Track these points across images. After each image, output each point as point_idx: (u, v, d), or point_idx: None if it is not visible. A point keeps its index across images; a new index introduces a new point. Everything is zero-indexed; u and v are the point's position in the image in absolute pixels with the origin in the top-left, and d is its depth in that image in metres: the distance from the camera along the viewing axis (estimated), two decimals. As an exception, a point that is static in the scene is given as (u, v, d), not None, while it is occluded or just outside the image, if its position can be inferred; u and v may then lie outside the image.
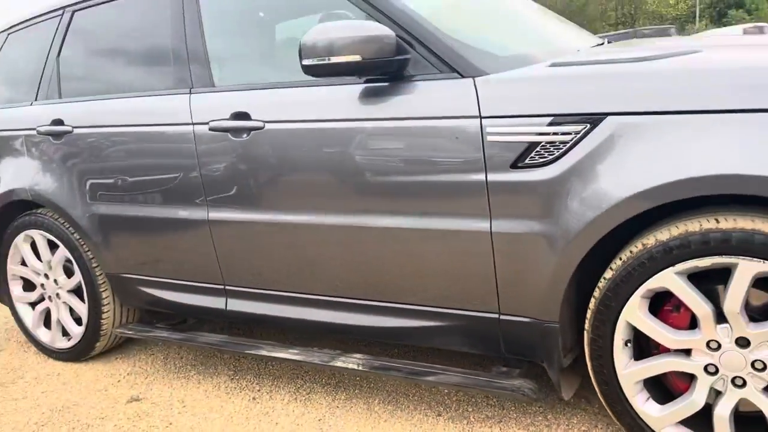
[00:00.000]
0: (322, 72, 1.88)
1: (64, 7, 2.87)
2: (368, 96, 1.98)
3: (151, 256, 2.62)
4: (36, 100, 2.93)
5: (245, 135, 2.20)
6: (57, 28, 2.87)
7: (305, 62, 1.87)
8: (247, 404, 2.43)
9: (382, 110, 1.95)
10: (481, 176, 1.80)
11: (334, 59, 1.84)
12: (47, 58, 2.90)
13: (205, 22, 2.39)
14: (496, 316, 1.91)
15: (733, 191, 1.48)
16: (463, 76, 1.85)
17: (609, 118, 1.64)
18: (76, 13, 2.82)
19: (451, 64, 1.88)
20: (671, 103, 1.58)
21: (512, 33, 2.45)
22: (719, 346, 1.63)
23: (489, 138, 1.78)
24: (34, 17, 3.04)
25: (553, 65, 1.81)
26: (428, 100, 1.88)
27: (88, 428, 2.39)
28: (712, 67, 1.59)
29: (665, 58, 1.69)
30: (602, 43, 2.65)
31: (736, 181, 1.47)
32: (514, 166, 1.76)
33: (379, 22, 1.97)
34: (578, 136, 1.67)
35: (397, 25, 1.96)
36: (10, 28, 3.17)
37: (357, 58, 1.83)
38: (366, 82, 2.00)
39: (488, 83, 1.81)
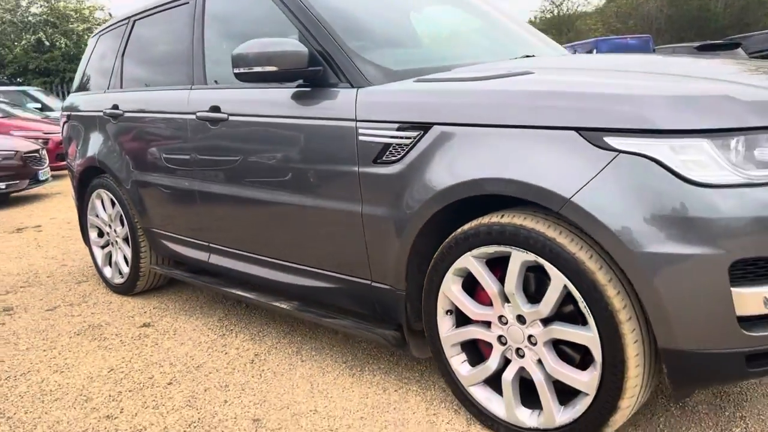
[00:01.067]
0: (248, 79, 2.42)
1: (129, 17, 3.67)
2: (294, 98, 2.49)
3: (166, 216, 3.34)
4: (108, 88, 3.77)
5: (218, 124, 2.81)
6: (123, 34, 3.69)
7: (235, 71, 2.42)
8: (215, 338, 3.07)
9: (300, 110, 2.45)
10: (355, 168, 2.25)
11: (257, 69, 2.37)
12: (116, 56, 3.72)
13: (206, 33, 3.02)
14: (369, 282, 2.35)
15: (479, 192, 1.85)
16: (352, 86, 2.30)
17: (434, 127, 2.02)
18: (136, 22, 3.60)
19: (347, 76, 2.33)
20: (474, 117, 1.93)
21: (438, 47, 2.82)
22: (507, 321, 1.96)
23: (360, 138, 2.22)
24: (112, 24, 3.89)
25: (417, 80, 2.20)
26: (330, 104, 2.35)
27: (104, 340, 3.16)
28: (513, 89, 1.91)
29: (494, 79, 2.03)
30: (532, 56, 2.86)
31: (477, 184, 1.84)
32: (375, 161, 2.19)
33: (307, 39, 2.47)
34: (414, 140, 2.07)
35: (316, 41, 2.44)
36: (98, 33, 4.06)
37: (274, 68, 2.34)
38: (297, 87, 2.51)
39: (365, 93, 2.25)
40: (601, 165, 1.68)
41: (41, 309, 3.69)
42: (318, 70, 2.40)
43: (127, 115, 3.48)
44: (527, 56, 2.82)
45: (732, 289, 1.59)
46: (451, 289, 2.06)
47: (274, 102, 2.56)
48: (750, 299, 1.60)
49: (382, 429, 2.17)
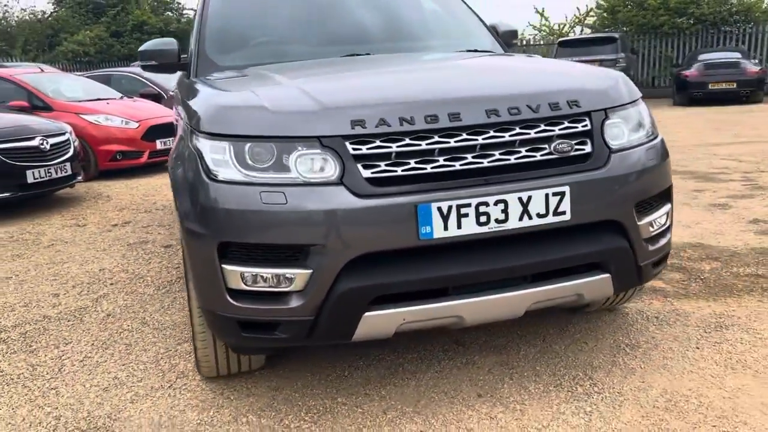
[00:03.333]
0: (149, 69, 3.32)
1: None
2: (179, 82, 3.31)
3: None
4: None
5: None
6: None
7: (139, 63, 3.33)
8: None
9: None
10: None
11: (150, 61, 3.26)
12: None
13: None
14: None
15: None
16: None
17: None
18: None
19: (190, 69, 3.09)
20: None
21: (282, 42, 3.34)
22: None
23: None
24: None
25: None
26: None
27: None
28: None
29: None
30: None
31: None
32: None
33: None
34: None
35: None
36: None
37: (155, 61, 3.21)
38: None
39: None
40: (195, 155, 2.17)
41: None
42: (186, 63, 3.19)
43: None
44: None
45: (222, 265, 2.02)
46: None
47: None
48: (232, 275, 2.01)
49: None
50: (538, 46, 22.04)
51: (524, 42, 21.85)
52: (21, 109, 7.64)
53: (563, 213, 2.06)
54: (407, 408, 2.33)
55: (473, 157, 2.03)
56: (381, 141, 1.99)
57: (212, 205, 2.01)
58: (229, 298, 2.03)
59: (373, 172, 1.97)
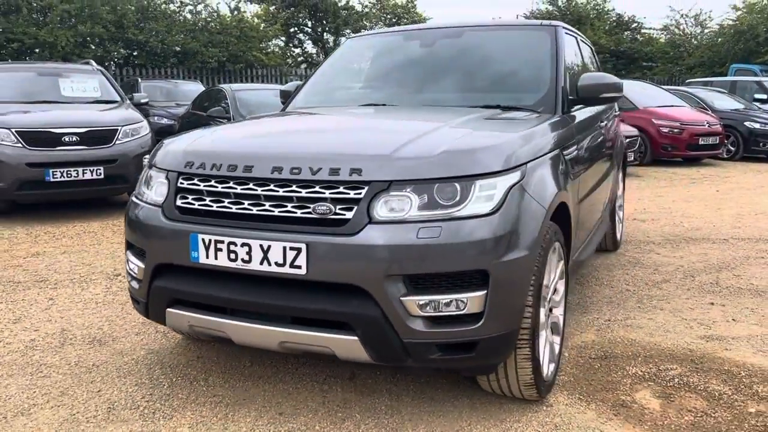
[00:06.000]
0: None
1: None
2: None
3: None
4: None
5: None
6: None
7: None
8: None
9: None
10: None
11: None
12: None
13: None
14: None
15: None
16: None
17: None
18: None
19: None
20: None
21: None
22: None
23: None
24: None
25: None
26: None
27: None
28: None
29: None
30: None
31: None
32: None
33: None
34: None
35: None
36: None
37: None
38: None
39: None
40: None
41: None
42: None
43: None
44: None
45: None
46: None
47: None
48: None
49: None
50: None
51: None
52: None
53: (299, 267, 2.27)
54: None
55: (249, 204, 2.41)
56: (198, 180, 2.55)
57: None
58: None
59: (182, 202, 2.55)
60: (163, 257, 2.58)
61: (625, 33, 30.88)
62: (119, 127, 7.07)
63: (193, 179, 2.56)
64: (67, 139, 6.69)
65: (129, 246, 2.81)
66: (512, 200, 2.36)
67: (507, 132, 2.72)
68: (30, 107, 7.35)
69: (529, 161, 2.54)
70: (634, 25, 31.25)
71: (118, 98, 8.37)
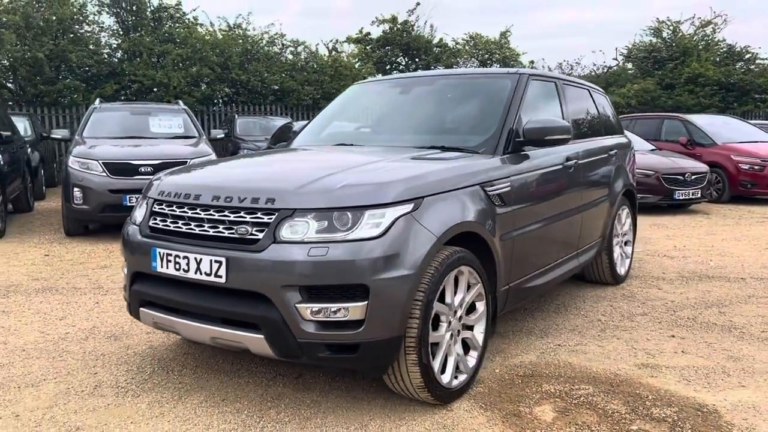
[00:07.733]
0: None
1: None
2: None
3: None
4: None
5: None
6: None
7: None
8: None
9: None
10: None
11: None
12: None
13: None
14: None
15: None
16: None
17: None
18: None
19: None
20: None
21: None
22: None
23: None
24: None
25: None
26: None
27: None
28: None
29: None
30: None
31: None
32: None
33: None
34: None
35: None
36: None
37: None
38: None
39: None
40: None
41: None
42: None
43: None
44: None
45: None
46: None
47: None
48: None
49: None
50: None
51: None
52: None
53: (221, 277, 2.84)
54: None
55: (194, 225, 3.03)
56: (165, 205, 3.21)
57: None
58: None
59: (153, 223, 3.22)
60: (137, 266, 3.24)
61: (738, 64, 29.41)
62: (189, 160, 8.07)
63: (162, 204, 3.23)
64: (143, 170, 7.76)
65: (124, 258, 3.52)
66: (399, 227, 2.81)
67: (412, 169, 3.17)
68: (120, 142, 8.57)
69: (427, 195, 2.98)
70: (748, 56, 29.73)
71: (196, 134, 9.48)
